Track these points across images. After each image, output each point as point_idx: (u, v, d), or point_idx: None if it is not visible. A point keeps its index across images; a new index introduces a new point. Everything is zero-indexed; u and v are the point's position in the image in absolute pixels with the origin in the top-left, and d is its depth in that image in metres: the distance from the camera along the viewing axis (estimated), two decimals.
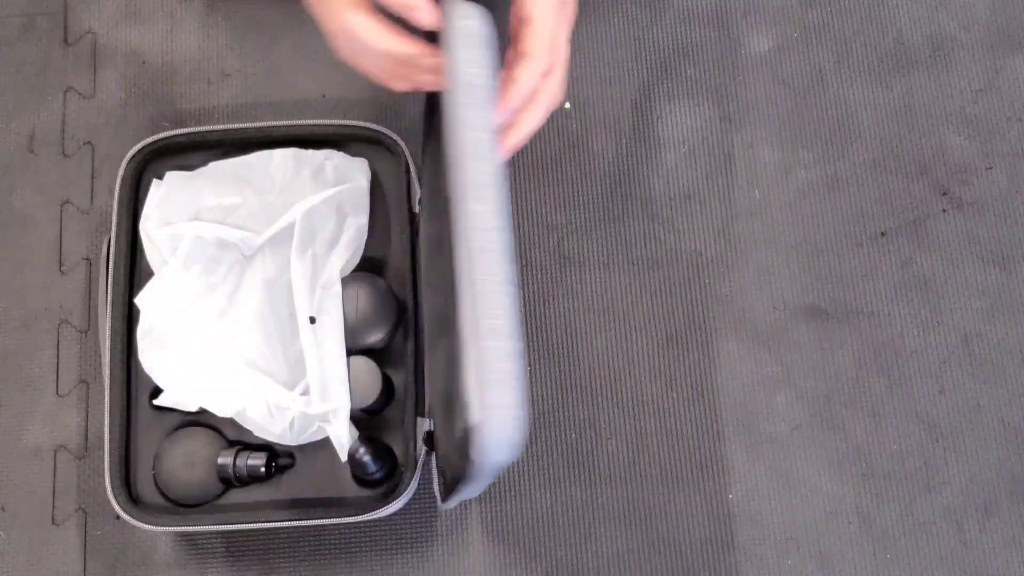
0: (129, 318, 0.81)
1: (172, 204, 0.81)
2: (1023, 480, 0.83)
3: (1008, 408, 0.85)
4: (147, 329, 0.79)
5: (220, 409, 0.78)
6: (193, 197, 0.81)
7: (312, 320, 0.78)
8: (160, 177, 0.83)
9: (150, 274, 0.81)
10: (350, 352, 0.79)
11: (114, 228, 0.82)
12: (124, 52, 0.93)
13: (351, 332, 0.79)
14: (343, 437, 0.77)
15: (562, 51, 0.64)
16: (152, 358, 0.79)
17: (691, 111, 0.91)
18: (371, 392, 0.78)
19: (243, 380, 0.77)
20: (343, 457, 0.76)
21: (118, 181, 0.83)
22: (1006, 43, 0.92)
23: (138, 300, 0.79)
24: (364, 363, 0.79)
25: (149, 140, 0.83)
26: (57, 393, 0.86)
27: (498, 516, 0.83)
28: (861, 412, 0.85)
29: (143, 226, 0.81)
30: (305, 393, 0.77)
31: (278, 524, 0.77)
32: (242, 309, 0.80)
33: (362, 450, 0.75)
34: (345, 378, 0.77)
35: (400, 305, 0.81)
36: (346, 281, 0.80)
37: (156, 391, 0.80)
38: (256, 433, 0.78)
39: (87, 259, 0.88)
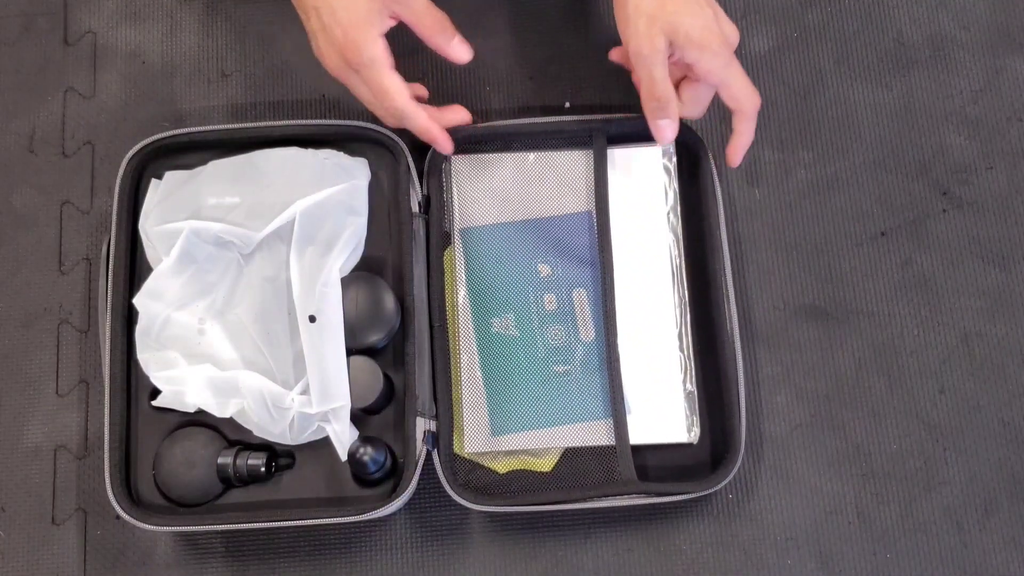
0: (129, 318, 0.81)
1: (171, 203, 0.81)
2: (1023, 480, 0.83)
3: (1008, 408, 0.85)
4: (144, 329, 0.79)
5: (218, 410, 0.78)
6: (192, 196, 0.81)
7: (312, 319, 0.78)
8: (160, 177, 0.83)
9: (150, 271, 0.81)
10: (350, 352, 0.79)
11: (114, 228, 0.82)
12: (124, 52, 0.93)
13: (351, 332, 0.79)
14: (343, 436, 0.77)
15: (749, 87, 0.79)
16: (149, 358, 0.79)
17: None
18: (371, 392, 0.78)
19: (242, 380, 0.77)
20: (343, 457, 0.76)
21: (118, 181, 0.83)
22: (1006, 43, 0.92)
23: (136, 300, 0.79)
24: (364, 363, 0.79)
25: (149, 140, 0.83)
26: (57, 393, 0.86)
27: (498, 516, 0.83)
28: (861, 412, 0.85)
29: (142, 225, 0.81)
30: (305, 392, 0.77)
31: (278, 524, 0.77)
32: (240, 308, 0.80)
33: (361, 450, 0.75)
34: (345, 377, 0.77)
35: (400, 305, 0.81)
36: (346, 281, 0.80)
37: (156, 391, 0.80)
38: (256, 433, 0.78)
39: (87, 259, 0.88)
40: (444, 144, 0.81)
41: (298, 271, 0.79)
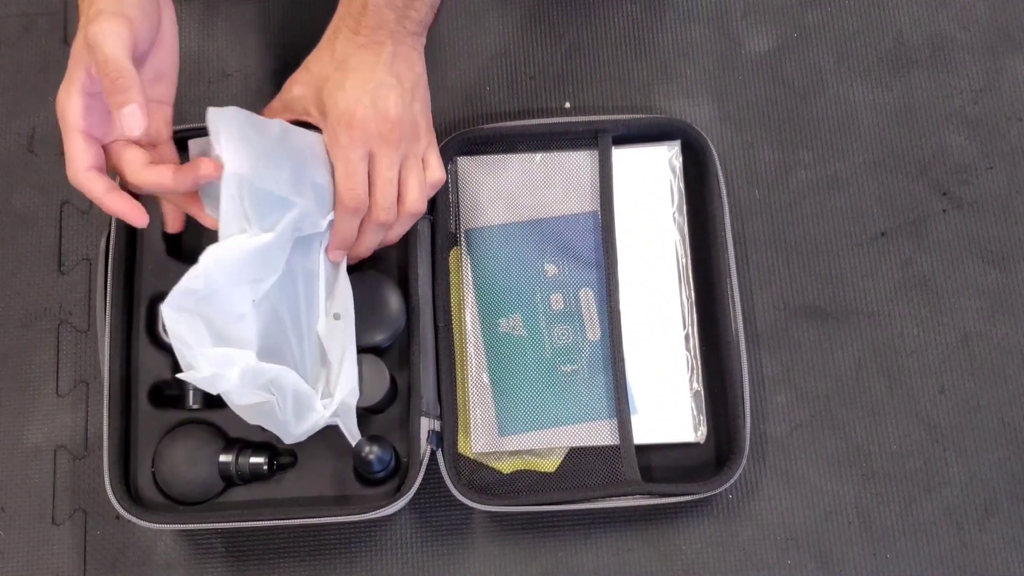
0: (129, 314, 0.80)
1: (260, 167, 0.71)
2: (1023, 480, 0.83)
3: (1008, 408, 0.85)
4: (190, 290, 0.68)
5: (238, 397, 0.71)
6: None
7: (337, 316, 0.76)
8: None
9: (152, 269, 0.81)
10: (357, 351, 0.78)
11: (113, 226, 0.81)
12: None
13: (358, 330, 0.78)
14: (352, 426, 0.75)
15: (361, 181, 0.72)
16: (180, 320, 0.69)
17: (691, 111, 0.91)
18: (378, 391, 0.78)
19: (282, 377, 0.72)
20: (354, 443, 0.75)
21: (117, 180, 0.82)
22: (1006, 43, 0.92)
23: (204, 257, 0.69)
24: (371, 362, 0.78)
25: None
26: (57, 393, 0.85)
27: (499, 516, 0.83)
28: (861, 412, 0.85)
29: (234, 172, 0.68)
30: (324, 396, 0.75)
31: (280, 523, 0.77)
32: (274, 297, 0.75)
33: (368, 448, 0.75)
34: (356, 370, 0.76)
35: (405, 305, 0.80)
36: (353, 280, 0.79)
37: (156, 388, 0.79)
38: (265, 427, 0.75)
39: (87, 259, 0.88)
40: (133, 217, 0.69)
41: (324, 267, 0.76)
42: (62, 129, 0.67)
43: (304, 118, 0.75)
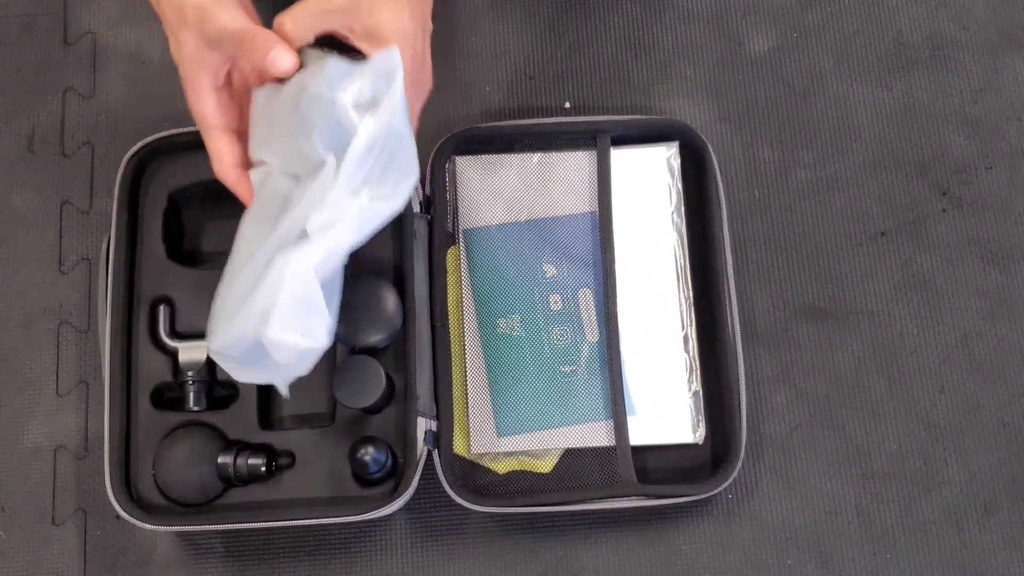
0: (129, 317, 0.81)
1: None
2: (1023, 480, 0.83)
3: (1008, 408, 0.85)
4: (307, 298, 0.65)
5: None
6: None
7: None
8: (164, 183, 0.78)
9: (152, 272, 0.81)
10: (353, 352, 0.78)
11: (114, 227, 0.81)
12: (124, 52, 0.93)
13: (355, 332, 0.78)
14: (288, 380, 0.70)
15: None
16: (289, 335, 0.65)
17: (691, 111, 0.91)
18: (374, 392, 0.77)
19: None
20: (284, 394, 0.70)
21: (117, 181, 0.82)
22: (1006, 43, 0.92)
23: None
24: (367, 362, 0.78)
25: (149, 140, 0.83)
26: (57, 393, 0.86)
27: (497, 516, 0.83)
28: (861, 412, 0.85)
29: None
30: None
31: (278, 524, 0.77)
32: None
33: (363, 449, 0.75)
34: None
35: (402, 305, 0.81)
36: (352, 280, 0.79)
37: (157, 390, 0.79)
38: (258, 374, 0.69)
39: (87, 259, 0.88)
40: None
41: None
42: (202, 131, 0.68)
43: (342, 32, 0.67)
